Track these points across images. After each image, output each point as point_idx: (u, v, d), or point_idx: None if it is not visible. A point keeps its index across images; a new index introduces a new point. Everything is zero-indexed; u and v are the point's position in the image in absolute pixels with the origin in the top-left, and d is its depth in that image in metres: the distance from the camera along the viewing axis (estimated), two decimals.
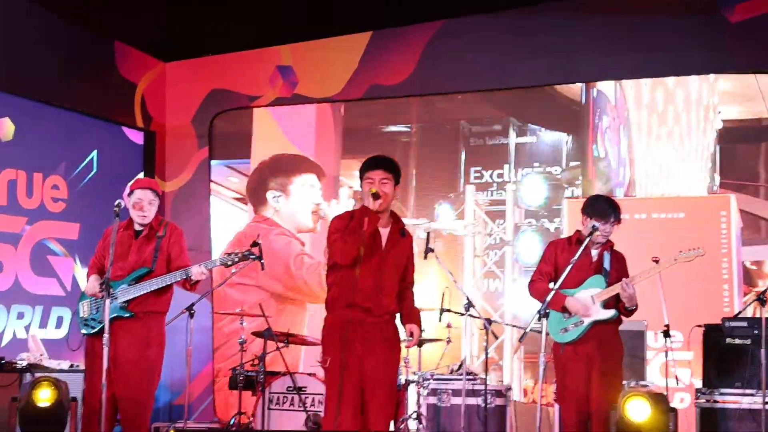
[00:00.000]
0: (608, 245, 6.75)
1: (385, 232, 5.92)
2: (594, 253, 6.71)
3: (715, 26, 9.37)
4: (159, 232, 6.82)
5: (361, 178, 5.93)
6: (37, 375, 7.23)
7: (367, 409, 5.75)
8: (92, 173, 10.17)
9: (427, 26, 10.44)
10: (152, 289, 6.64)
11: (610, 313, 6.61)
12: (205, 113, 11.24)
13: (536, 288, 6.82)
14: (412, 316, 6.04)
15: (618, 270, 6.74)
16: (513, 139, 10.52)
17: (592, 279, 6.67)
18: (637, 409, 6.40)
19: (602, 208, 6.70)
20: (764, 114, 9.56)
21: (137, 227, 6.78)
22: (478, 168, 10.57)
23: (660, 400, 6.46)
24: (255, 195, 11.03)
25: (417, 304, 6.14)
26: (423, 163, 10.72)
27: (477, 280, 10.20)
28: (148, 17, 10.44)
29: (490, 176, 10.52)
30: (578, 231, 6.79)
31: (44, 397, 6.81)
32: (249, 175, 11.09)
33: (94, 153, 10.38)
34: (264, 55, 11.10)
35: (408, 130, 10.93)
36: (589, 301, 6.61)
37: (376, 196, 5.76)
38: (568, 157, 10.31)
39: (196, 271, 6.65)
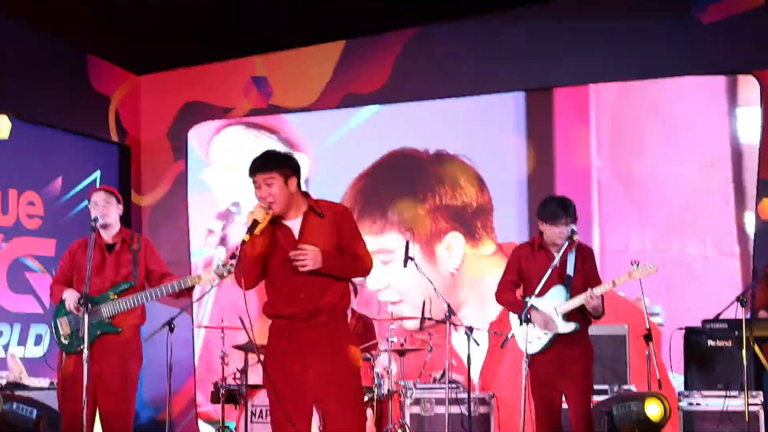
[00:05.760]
0: (572, 245, 6.58)
1: (296, 223, 5.33)
2: (557, 255, 6.55)
3: (687, 28, 9.40)
4: (133, 245, 6.75)
5: None
6: None
7: (325, 424, 5.28)
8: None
9: (400, 33, 10.43)
10: (148, 301, 6.61)
11: (572, 326, 6.53)
12: (180, 126, 11.21)
13: (504, 298, 6.79)
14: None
15: (584, 271, 6.65)
16: None
17: (553, 290, 6.58)
18: (653, 410, 6.43)
19: (552, 210, 6.62)
20: None
21: (106, 239, 6.66)
22: None
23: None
24: None
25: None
26: None
27: None
28: (120, 30, 10.36)
29: None
30: (539, 235, 6.72)
31: None
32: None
33: (97, 173, 10.51)
34: (238, 66, 11.08)
35: None
36: (552, 313, 6.55)
37: (254, 226, 5.18)
38: None
39: (205, 277, 6.58)
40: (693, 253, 9.25)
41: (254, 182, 5.32)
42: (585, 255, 6.74)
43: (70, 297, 6.60)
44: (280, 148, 10.23)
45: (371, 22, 10.31)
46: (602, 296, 6.54)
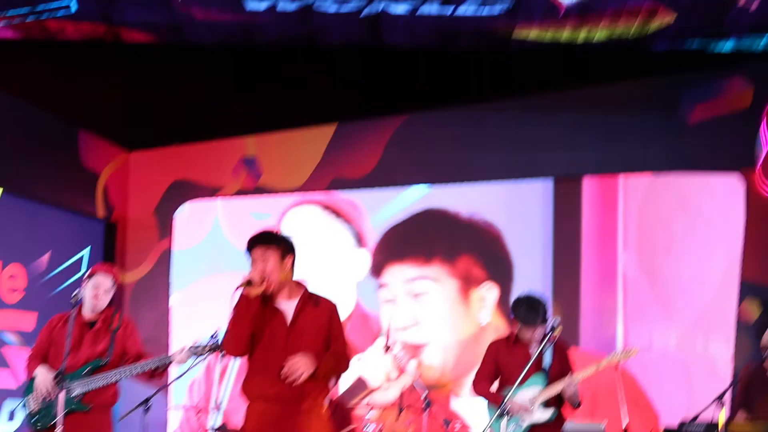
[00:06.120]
0: (551, 339, 6.56)
1: (290, 306, 5.46)
2: (533, 349, 6.68)
3: (674, 126, 9.49)
4: (113, 324, 6.73)
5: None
6: None
7: None
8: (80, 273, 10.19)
9: (391, 119, 10.53)
10: (119, 379, 6.55)
11: (549, 413, 6.61)
12: (168, 204, 11.23)
13: (481, 389, 6.88)
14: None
15: (559, 363, 6.76)
16: None
17: (532, 378, 6.65)
18: None
19: (523, 315, 6.74)
20: None
21: (88, 317, 6.65)
22: None
23: None
24: None
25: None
26: None
27: None
28: (112, 106, 10.43)
29: None
30: (515, 330, 6.83)
31: None
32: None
33: (87, 250, 10.56)
34: (229, 146, 11.13)
35: None
36: (527, 403, 6.62)
37: (248, 284, 5.33)
38: None
39: (179, 357, 6.55)
40: (717, 353, 9.12)
41: (251, 257, 5.45)
42: (561, 348, 6.86)
43: (41, 376, 6.54)
44: (350, 239, 10.46)
45: (363, 106, 10.38)
46: (577, 386, 6.57)
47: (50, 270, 10.15)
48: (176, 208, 11.22)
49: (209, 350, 6.59)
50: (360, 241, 10.65)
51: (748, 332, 8.65)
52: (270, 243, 5.46)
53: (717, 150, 9.29)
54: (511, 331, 6.90)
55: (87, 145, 10.77)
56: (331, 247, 10.57)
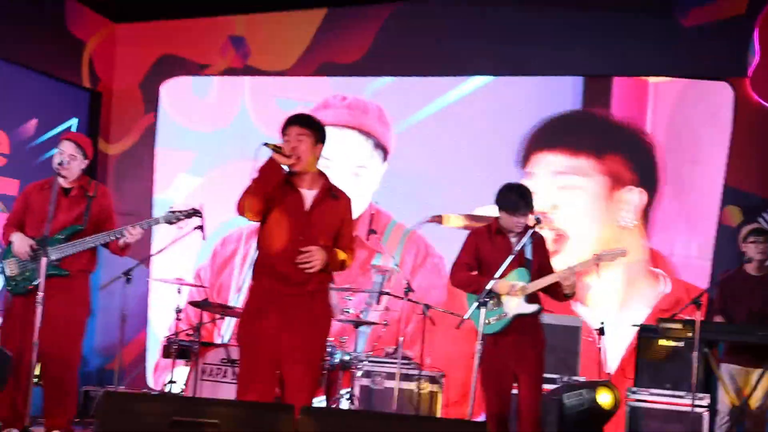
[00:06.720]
0: (534, 232, 6.60)
1: (310, 194, 5.60)
2: (514, 240, 6.60)
3: (667, 29, 9.44)
4: (90, 192, 6.76)
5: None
6: None
7: (285, 385, 5.48)
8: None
9: (383, 7, 10.40)
10: (87, 248, 6.59)
11: (534, 308, 6.56)
12: (154, 78, 11.12)
13: (459, 277, 6.76)
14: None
15: (540, 256, 6.69)
16: None
17: (515, 273, 6.56)
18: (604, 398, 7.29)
19: (512, 200, 6.65)
20: None
21: (64, 185, 6.69)
22: None
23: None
24: None
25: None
26: None
27: None
28: None
29: None
30: (497, 219, 6.73)
31: None
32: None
33: (75, 121, 10.50)
34: (217, 24, 10.98)
35: None
36: (516, 287, 6.56)
37: (277, 150, 5.47)
38: None
39: (131, 231, 6.56)
40: None
41: (284, 135, 5.57)
42: (540, 241, 6.77)
43: (18, 241, 6.61)
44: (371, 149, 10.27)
45: None
46: (575, 276, 6.59)
47: (36, 137, 10.08)
48: (162, 82, 11.11)
49: (185, 216, 6.66)
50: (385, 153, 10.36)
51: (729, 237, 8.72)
52: (308, 126, 5.59)
53: (709, 55, 9.26)
54: (493, 221, 6.84)
55: (73, 14, 10.59)
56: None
